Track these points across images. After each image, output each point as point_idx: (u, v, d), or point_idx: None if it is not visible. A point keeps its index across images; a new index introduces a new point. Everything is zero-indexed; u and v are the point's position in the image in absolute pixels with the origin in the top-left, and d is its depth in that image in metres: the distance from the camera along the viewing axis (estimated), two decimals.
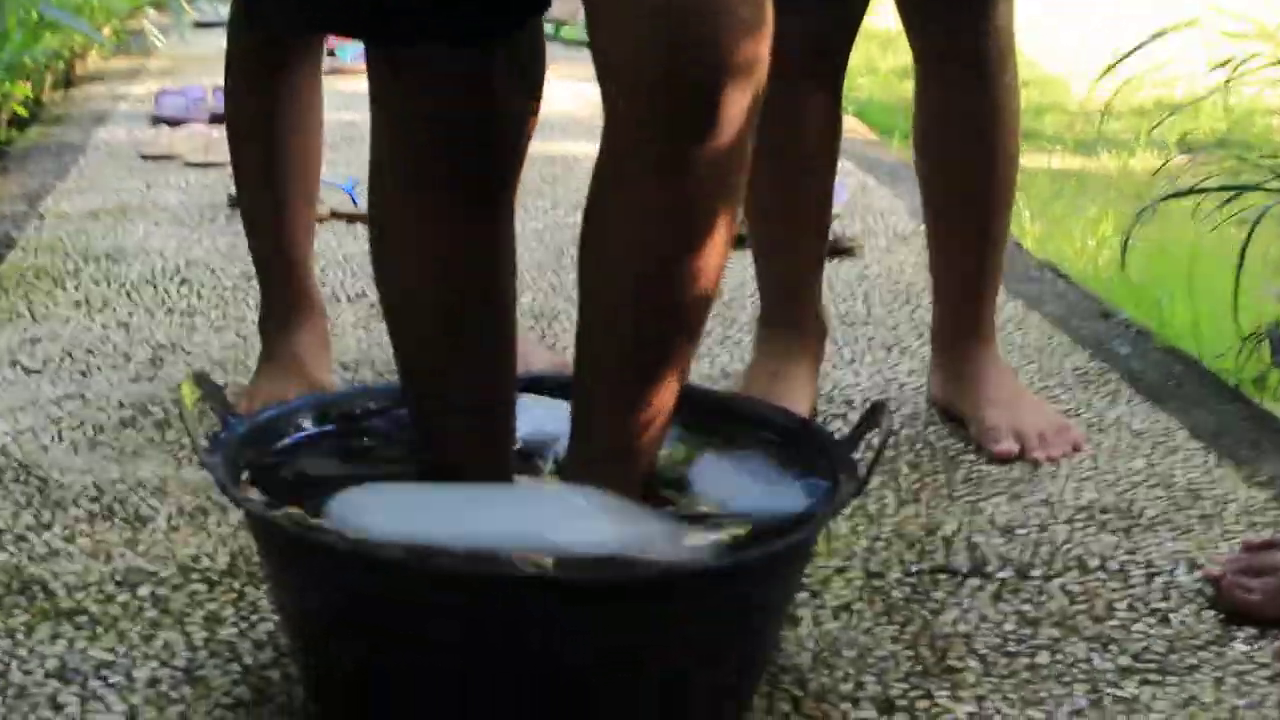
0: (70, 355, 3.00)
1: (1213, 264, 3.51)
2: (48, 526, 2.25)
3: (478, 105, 1.69)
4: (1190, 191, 3.35)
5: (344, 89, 4.06)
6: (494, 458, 1.85)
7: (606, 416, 1.73)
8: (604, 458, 1.72)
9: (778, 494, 1.84)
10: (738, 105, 1.63)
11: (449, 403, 1.85)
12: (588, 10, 1.63)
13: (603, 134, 1.68)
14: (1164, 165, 4.86)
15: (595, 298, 1.72)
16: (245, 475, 1.81)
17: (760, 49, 1.62)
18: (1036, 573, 2.14)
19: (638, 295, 1.68)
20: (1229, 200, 3.14)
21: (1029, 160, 4.82)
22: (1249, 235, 3.04)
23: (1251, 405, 2.92)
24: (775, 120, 2.44)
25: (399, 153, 1.75)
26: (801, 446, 1.93)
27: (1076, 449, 2.52)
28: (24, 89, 5.01)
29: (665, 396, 1.75)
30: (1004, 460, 2.48)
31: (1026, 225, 4.25)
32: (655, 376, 1.70)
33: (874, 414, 1.89)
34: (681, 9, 1.59)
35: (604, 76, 1.63)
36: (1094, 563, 2.18)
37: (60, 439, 2.61)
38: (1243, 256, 3.00)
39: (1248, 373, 3.08)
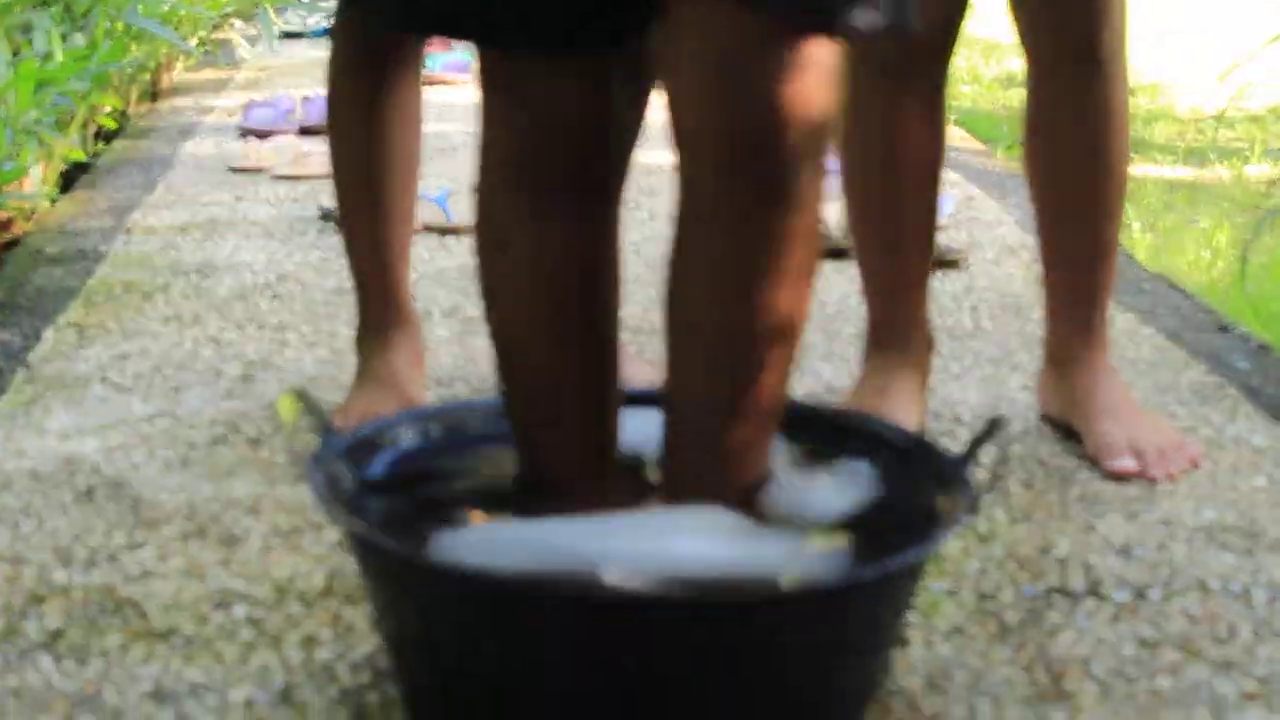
0: (161, 372, 3.03)
1: None
2: (141, 546, 2.28)
3: (593, 109, 1.70)
4: None
5: (433, 99, 4.10)
6: (598, 471, 1.86)
7: (704, 437, 1.75)
8: (708, 473, 1.74)
9: (887, 512, 1.85)
10: (801, 154, 1.65)
11: (554, 413, 1.85)
12: (659, 61, 1.66)
13: (678, 183, 1.72)
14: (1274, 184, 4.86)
15: (684, 333, 1.75)
16: (349, 494, 1.84)
17: (821, 96, 1.64)
18: (1155, 594, 2.12)
19: (723, 332, 1.71)
20: None
21: (1139, 170, 4.81)
22: None
23: None
24: (875, 130, 2.47)
25: (511, 155, 1.76)
26: (913, 464, 1.93)
27: (1195, 465, 2.48)
28: (113, 100, 5.05)
29: (763, 416, 1.77)
30: (1120, 477, 2.45)
31: (1137, 236, 4.21)
32: (751, 399, 1.73)
33: (990, 430, 1.88)
34: (741, 69, 1.61)
35: (674, 127, 1.67)
36: (1215, 584, 2.15)
37: (152, 457, 2.63)
38: None
39: None
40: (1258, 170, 4.98)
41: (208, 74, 6.45)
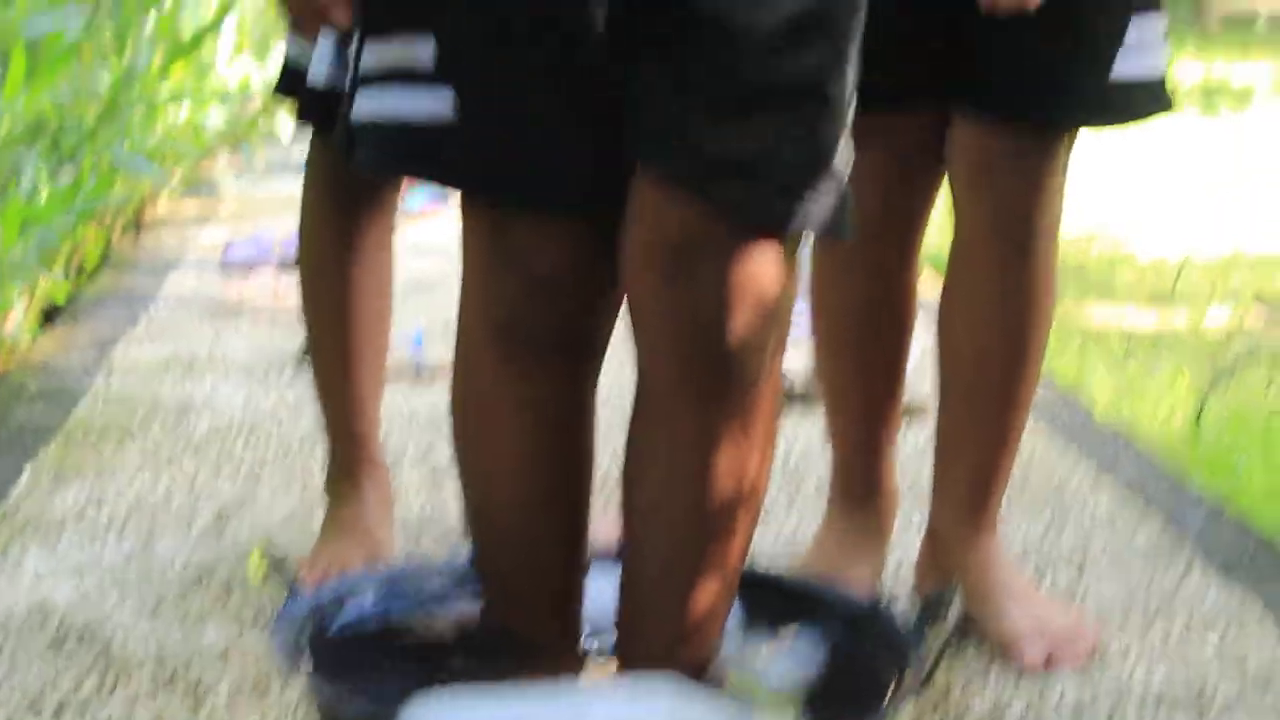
0: (136, 514, 3.00)
1: None
2: (111, 694, 2.26)
3: (584, 273, 1.70)
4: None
5: (410, 237, 4.12)
6: (565, 630, 1.86)
7: (661, 611, 1.75)
8: (664, 645, 1.74)
9: (838, 681, 1.85)
10: (754, 342, 1.66)
11: (525, 572, 1.84)
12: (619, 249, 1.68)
13: (637, 365, 1.75)
14: (1239, 324, 4.89)
15: (642, 511, 1.76)
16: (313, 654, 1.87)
17: (771, 290, 1.64)
18: None
19: (681, 514, 1.72)
20: None
21: (1100, 315, 4.85)
22: None
23: None
24: (847, 284, 2.47)
25: (497, 316, 1.74)
26: (867, 632, 1.97)
27: (1094, 650, 2.48)
28: (97, 235, 5.04)
29: (720, 590, 1.77)
30: (1034, 671, 2.44)
31: (1100, 383, 4.24)
32: (708, 575, 1.73)
33: (941, 601, 1.92)
34: (691, 261, 1.62)
35: (630, 313, 1.69)
36: None
37: (124, 603, 2.61)
38: None
39: None
40: (1216, 318, 5.04)
41: (192, 206, 6.41)
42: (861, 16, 1.65)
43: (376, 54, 1.66)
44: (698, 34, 1.60)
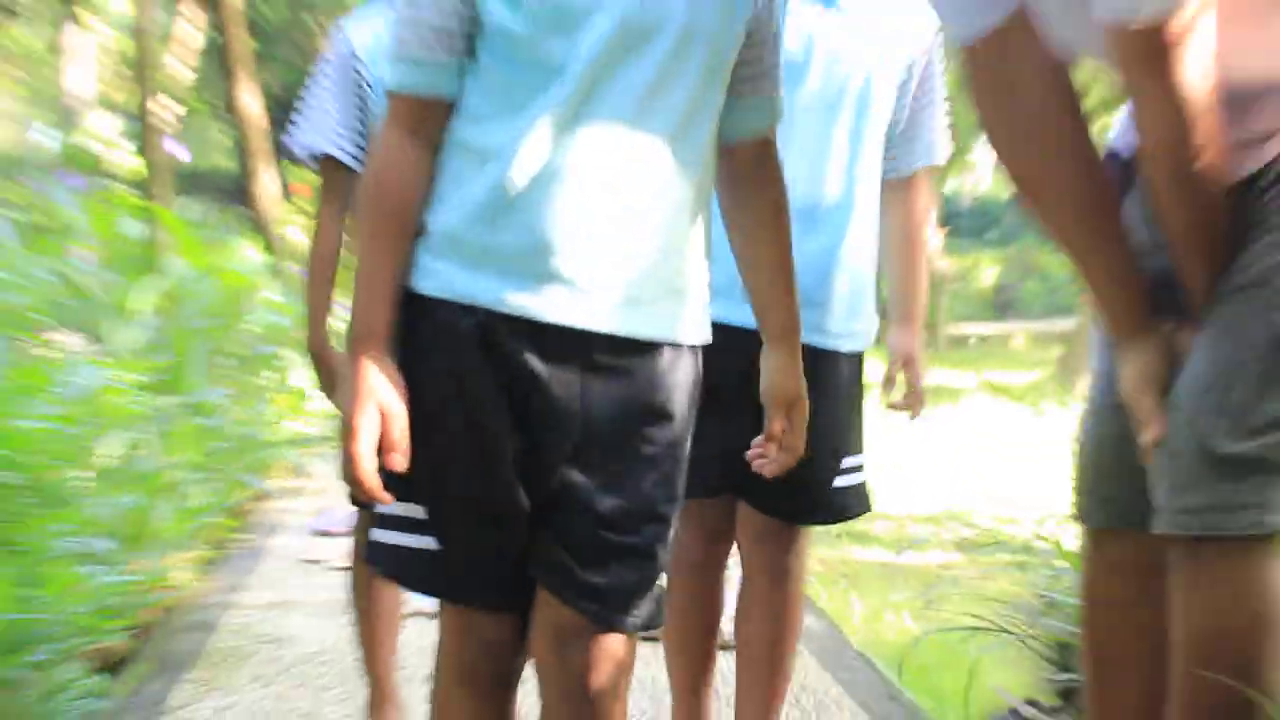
0: None
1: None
2: None
3: (518, 636, 1.65)
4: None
5: None
6: None
7: None
8: None
9: None
10: (610, 700, 1.60)
11: None
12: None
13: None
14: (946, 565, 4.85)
15: None
16: None
17: (614, 675, 1.57)
18: None
19: None
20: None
21: (859, 555, 4.75)
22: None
23: None
24: (681, 599, 2.21)
25: (463, 664, 1.68)
26: None
27: None
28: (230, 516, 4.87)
29: None
30: None
31: (851, 616, 4.03)
32: None
33: None
34: (566, 647, 1.56)
35: (537, 673, 1.62)
36: None
37: None
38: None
39: None
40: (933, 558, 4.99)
41: (289, 481, 5.98)
42: (679, 507, 1.63)
43: (392, 508, 1.58)
44: (578, 515, 1.57)
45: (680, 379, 1.54)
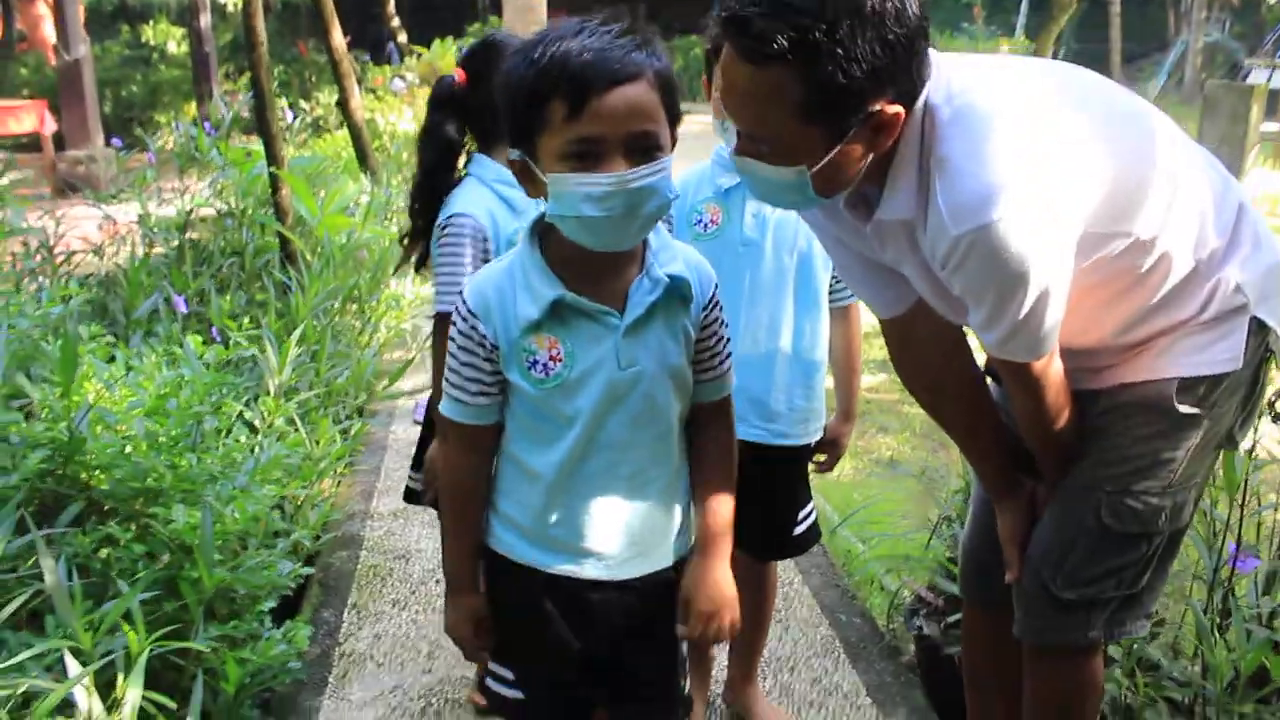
0: (393, 649, 3.08)
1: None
2: None
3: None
4: None
5: None
6: None
7: None
8: None
9: None
10: None
11: None
12: None
13: None
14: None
15: None
16: None
17: None
18: None
19: None
20: None
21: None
22: None
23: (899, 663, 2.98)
24: None
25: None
26: None
27: None
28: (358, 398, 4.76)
29: None
30: None
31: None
32: None
33: None
34: None
35: None
36: None
37: None
38: None
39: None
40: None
41: (398, 353, 5.78)
42: (683, 663, 1.81)
43: (495, 668, 1.81)
44: (627, 688, 1.80)
45: (674, 581, 1.75)
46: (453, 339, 1.64)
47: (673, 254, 1.65)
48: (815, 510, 2.59)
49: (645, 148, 1.50)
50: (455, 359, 1.63)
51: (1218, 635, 2.32)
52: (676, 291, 1.63)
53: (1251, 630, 2.27)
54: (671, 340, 1.64)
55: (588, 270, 1.60)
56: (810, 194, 1.62)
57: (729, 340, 1.74)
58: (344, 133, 9.38)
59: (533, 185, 1.57)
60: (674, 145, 1.57)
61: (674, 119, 1.55)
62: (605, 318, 1.60)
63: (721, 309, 1.71)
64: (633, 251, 1.61)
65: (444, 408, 1.67)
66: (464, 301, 1.63)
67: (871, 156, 1.61)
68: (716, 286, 1.70)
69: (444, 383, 1.66)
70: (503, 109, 1.53)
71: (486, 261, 2.28)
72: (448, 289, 2.26)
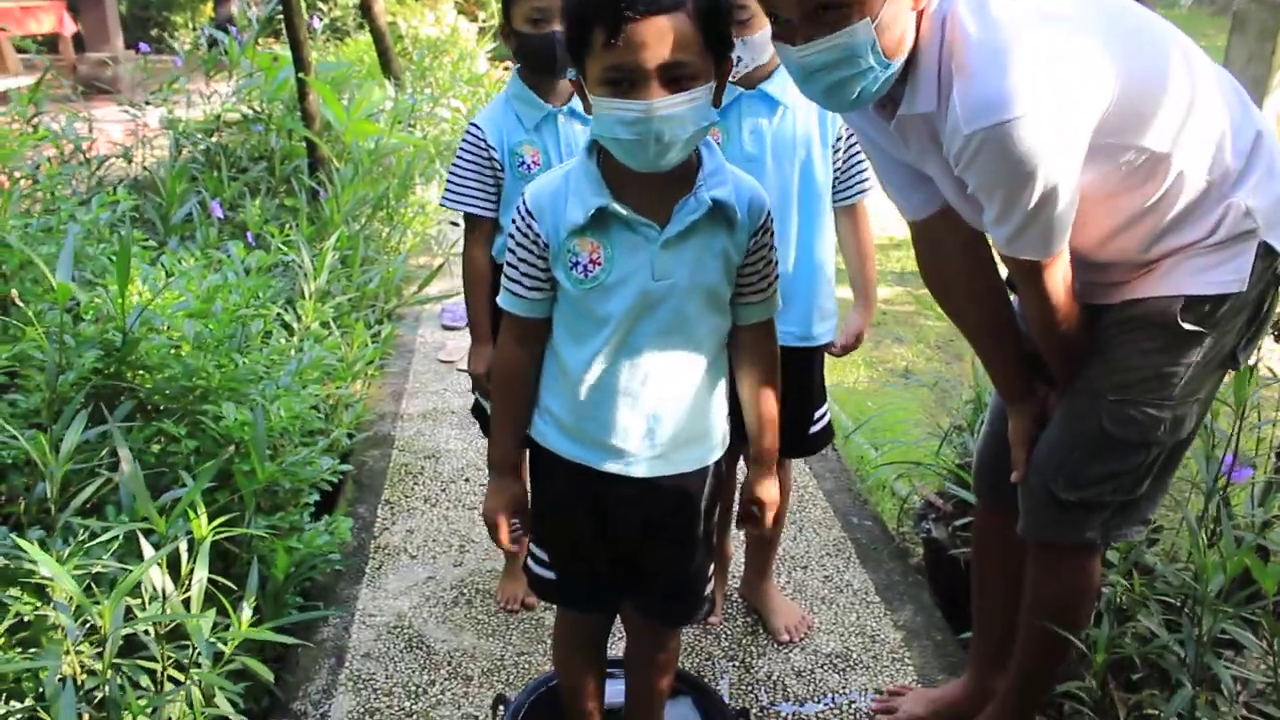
0: (428, 544, 3.14)
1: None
2: (432, 684, 2.51)
3: (604, 628, 2.03)
4: None
5: None
6: None
7: None
8: None
9: None
10: (670, 670, 2.01)
11: None
12: None
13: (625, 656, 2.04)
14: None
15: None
16: None
17: (675, 648, 1.98)
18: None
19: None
20: None
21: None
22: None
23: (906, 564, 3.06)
24: None
25: (570, 638, 2.06)
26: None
27: (808, 627, 2.77)
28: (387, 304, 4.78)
29: None
30: (784, 641, 2.72)
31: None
32: None
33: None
34: (657, 644, 1.95)
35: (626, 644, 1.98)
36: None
37: (428, 614, 2.82)
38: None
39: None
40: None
41: (424, 259, 5.81)
42: (711, 555, 1.88)
43: (534, 550, 1.90)
44: (651, 579, 1.87)
45: (696, 488, 1.80)
46: (511, 235, 1.71)
47: (723, 178, 1.69)
48: (829, 412, 2.64)
49: (677, 77, 1.53)
50: (513, 254, 1.71)
51: (1208, 541, 2.35)
52: (720, 214, 1.67)
53: (1242, 538, 2.35)
54: (711, 258, 1.68)
55: (636, 185, 1.65)
56: (879, 53, 1.62)
57: (778, 264, 1.78)
58: (365, 36, 9.13)
59: (586, 104, 1.62)
60: (729, 71, 1.61)
61: (721, 48, 1.57)
62: (645, 229, 1.65)
63: (773, 235, 1.74)
64: (683, 171, 1.66)
65: (501, 299, 1.75)
66: (524, 201, 1.69)
67: (916, 13, 1.65)
68: (769, 214, 1.73)
69: (503, 277, 1.74)
70: (564, 30, 1.60)
71: (492, 168, 2.48)
72: (448, 188, 2.55)
